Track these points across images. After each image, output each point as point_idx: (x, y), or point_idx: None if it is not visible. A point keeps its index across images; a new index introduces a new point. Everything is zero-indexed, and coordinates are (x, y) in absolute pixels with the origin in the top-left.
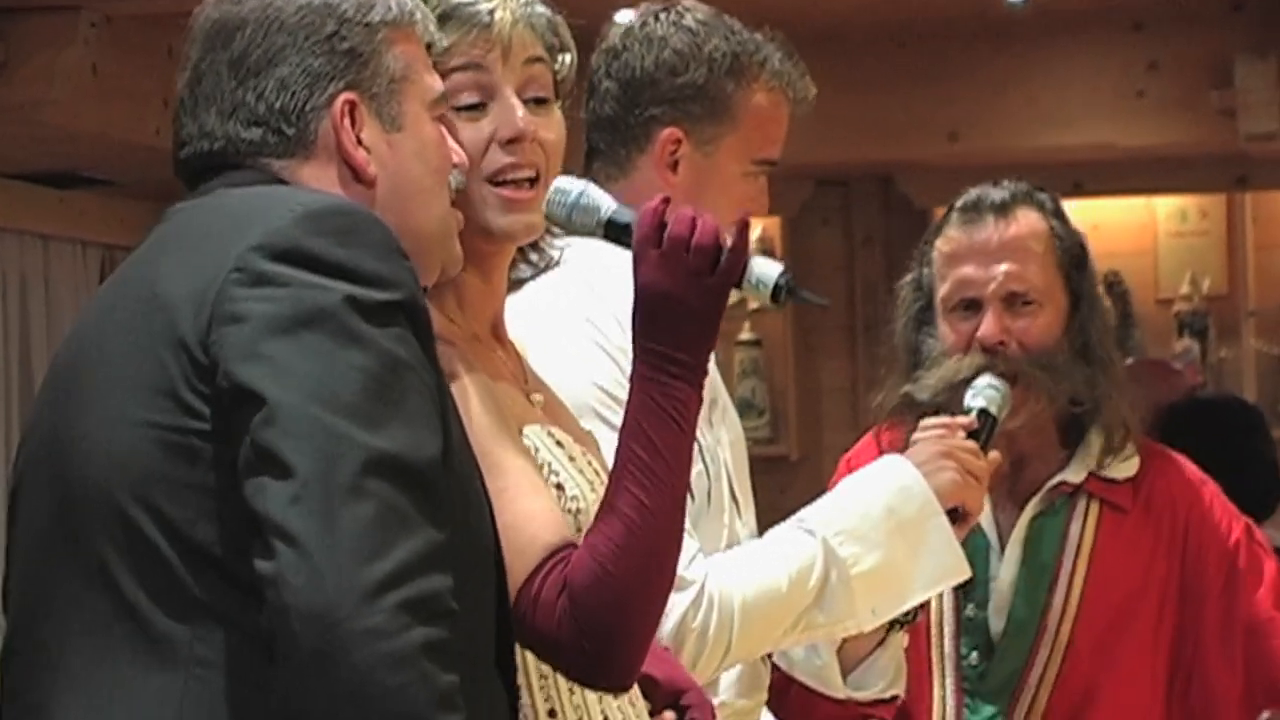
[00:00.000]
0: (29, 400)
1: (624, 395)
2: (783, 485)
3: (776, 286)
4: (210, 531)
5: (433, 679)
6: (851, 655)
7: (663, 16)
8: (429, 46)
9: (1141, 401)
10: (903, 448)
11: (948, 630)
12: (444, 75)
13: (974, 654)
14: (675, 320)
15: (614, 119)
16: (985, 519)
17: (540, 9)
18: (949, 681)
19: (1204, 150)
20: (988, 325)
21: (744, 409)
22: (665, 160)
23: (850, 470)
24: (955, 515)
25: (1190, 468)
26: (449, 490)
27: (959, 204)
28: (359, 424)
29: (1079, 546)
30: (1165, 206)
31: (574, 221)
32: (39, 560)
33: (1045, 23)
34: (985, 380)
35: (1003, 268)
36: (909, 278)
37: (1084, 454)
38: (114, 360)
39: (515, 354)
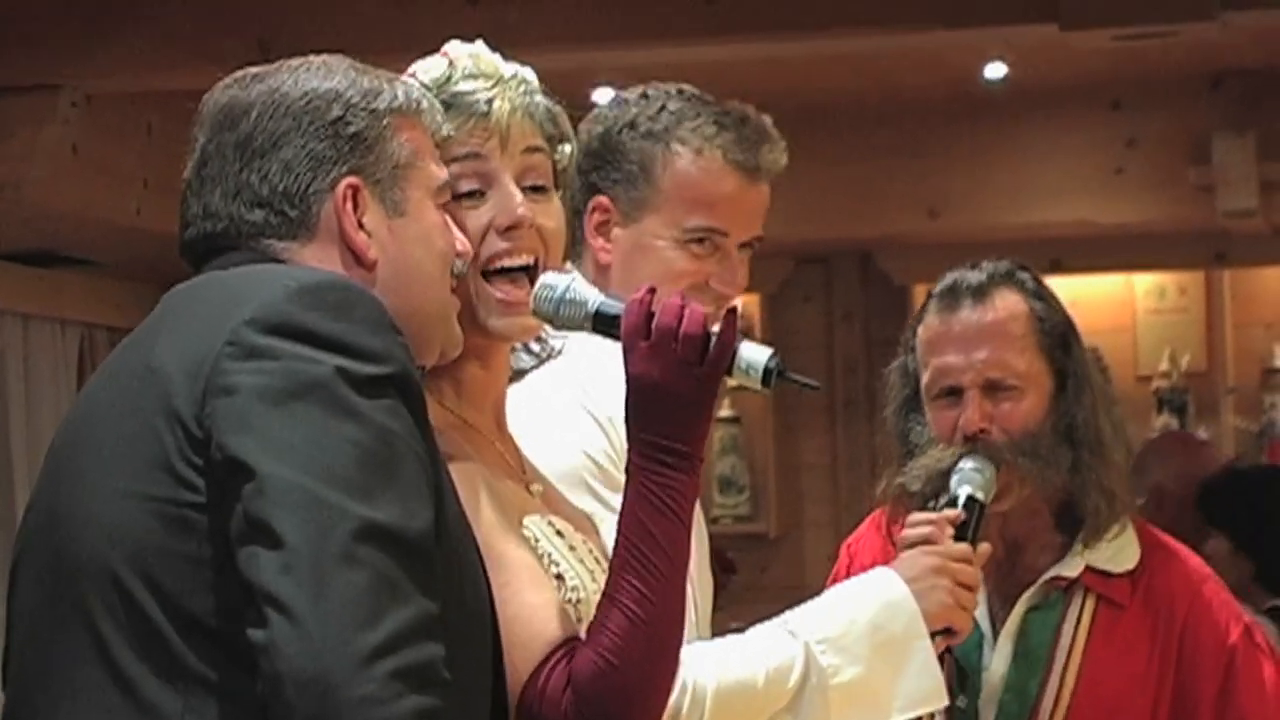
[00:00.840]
0: (6, 476)
1: (610, 468)
2: (763, 563)
3: (766, 371)
4: (205, 602)
5: None
6: None
7: (612, 95)
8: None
9: (1175, 474)
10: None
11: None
12: (444, 164)
13: None
14: (667, 410)
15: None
16: (979, 607)
17: (539, 99)
18: None
19: (1183, 227)
20: (967, 414)
21: (724, 486)
22: (594, 228)
23: (851, 558)
24: (943, 633)
25: (1194, 562)
26: (444, 561)
27: (937, 290)
28: (350, 494)
29: (1072, 643)
30: (1144, 283)
31: (562, 315)
32: (36, 632)
33: (1024, 101)
34: (969, 464)
35: (981, 355)
36: (895, 364)
37: (1080, 546)
38: (109, 435)
39: (514, 445)
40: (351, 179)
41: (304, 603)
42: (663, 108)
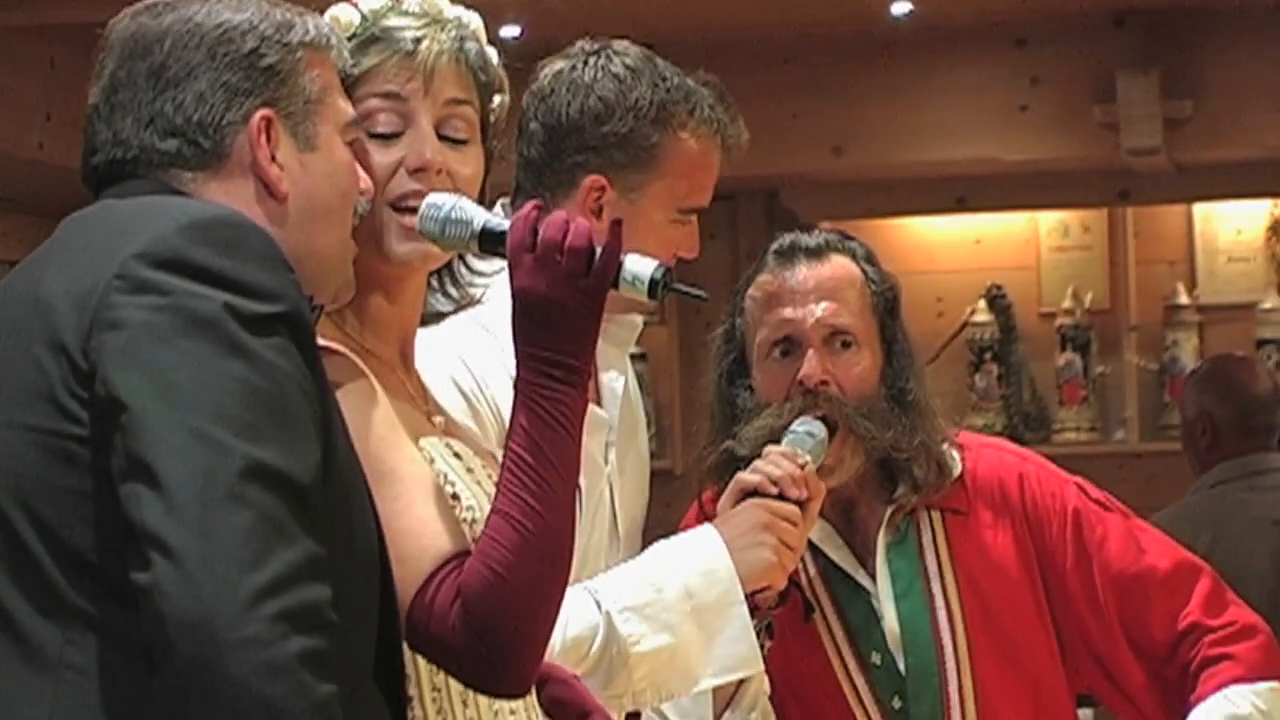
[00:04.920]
0: None
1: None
2: (668, 499)
3: (653, 281)
4: (86, 537)
5: (309, 689)
6: (720, 695)
7: (592, 61)
8: (344, 76)
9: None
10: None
11: (862, 688)
12: (365, 98)
13: (895, 698)
14: (554, 324)
15: (539, 162)
16: (853, 568)
17: (472, 44)
18: None
19: (1086, 165)
20: (809, 365)
21: None
22: (589, 207)
23: None
24: (762, 591)
25: (1007, 448)
26: (332, 500)
27: (772, 249)
28: (236, 434)
29: (939, 561)
30: (1048, 221)
31: (448, 235)
32: None
33: (929, 38)
34: (802, 427)
35: (821, 306)
36: (720, 330)
37: (909, 480)
38: None
39: (418, 379)
40: (265, 111)
41: (187, 544)
42: (654, 86)
